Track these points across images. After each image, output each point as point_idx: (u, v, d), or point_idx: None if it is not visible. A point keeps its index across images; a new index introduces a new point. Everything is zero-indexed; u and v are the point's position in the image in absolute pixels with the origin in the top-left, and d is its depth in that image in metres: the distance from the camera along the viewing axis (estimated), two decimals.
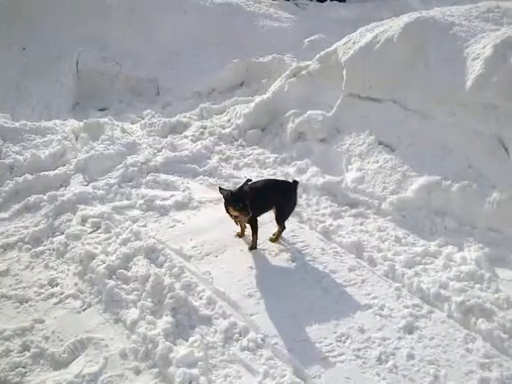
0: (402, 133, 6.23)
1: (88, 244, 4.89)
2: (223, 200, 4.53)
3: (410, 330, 3.85)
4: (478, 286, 4.28)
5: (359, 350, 3.66)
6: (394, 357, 3.59)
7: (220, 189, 4.52)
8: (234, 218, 4.66)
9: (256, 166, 6.63)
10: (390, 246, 4.89)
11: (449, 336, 3.79)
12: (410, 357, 3.60)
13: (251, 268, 4.56)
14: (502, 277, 4.44)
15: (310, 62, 7.96)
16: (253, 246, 4.79)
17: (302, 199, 5.77)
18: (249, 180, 4.67)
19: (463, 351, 3.66)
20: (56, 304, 4.19)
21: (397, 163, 5.97)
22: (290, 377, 3.39)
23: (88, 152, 6.68)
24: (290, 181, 5.03)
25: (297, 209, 5.53)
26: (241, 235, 5.00)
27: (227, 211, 4.58)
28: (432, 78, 6.11)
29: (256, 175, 6.34)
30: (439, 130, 5.92)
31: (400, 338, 3.76)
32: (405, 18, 6.73)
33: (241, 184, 4.62)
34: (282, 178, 5.89)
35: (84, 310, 4.15)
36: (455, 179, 5.41)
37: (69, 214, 5.45)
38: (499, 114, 5.46)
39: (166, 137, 7.55)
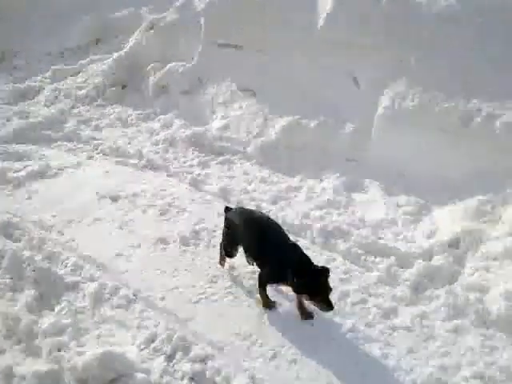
0: (263, 77, 6.32)
1: None
2: None
3: None
4: (336, 211, 4.61)
5: (230, 287, 3.79)
6: None
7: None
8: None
9: (118, 126, 6.37)
10: (256, 186, 5.05)
11: (313, 260, 4.04)
12: None
13: (119, 228, 4.45)
14: (358, 200, 4.81)
15: (166, 14, 7.68)
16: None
17: (168, 153, 5.70)
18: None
19: None
20: None
21: (259, 108, 6.10)
22: (164, 321, 3.42)
23: None
24: None
25: (165, 163, 5.49)
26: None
27: None
28: (287, 19, 6.22)
29: (119, 134, 6.11)
30: (296, 71, 6.09)
31: None
32: None
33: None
34: None
35: None
36: (312, 117, 5.67)
37: None
38: (349, 49, 5.73)
39: (16, 104, 6.93)
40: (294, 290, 3.34)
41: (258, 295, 3.58)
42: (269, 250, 3.47)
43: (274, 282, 3.56)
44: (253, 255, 3.66)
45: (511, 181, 4.37)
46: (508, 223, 4.07)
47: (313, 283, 3.21)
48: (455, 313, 3.45)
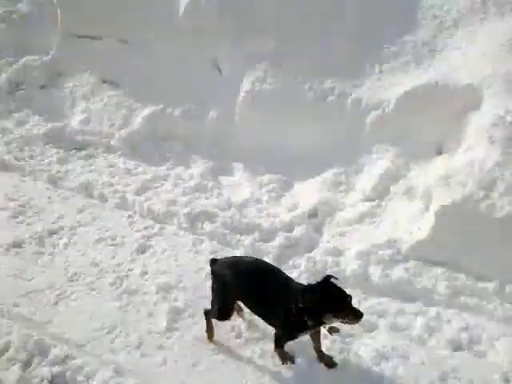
0: (125, 68, 6.12)
1: None
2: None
3: (142, 250, 3.98)
4: (203, 195, 4.63)
5: (93, 282, 3.63)
6: (127, 278, 3.66)
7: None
8: None
9: None
10: (121, 179, 4.88)
11: (179, 245, 4.04)
12: (143, 273, 3.73)
13: None
14: (225, 183, 4.86)
15: (20, 5, 7.15)
16: None
17: (24, 152, 5.29)
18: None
19: (192, 254, 3.96)
20: None
21: (122, 99, 5.90)
22: (17, 331, 3.16)
23: None
24: None
25: (19, 163, 5.11)
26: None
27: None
28: (147, 8, 6.04)
29: None
30: (159, 60, 5.97)
31: (133, 260, 3.86)
32: None
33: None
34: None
35: None
36: (177, 105, 5.60)
37: None
38: (209, 36, 5.72)
39: None
40: (316, 321, 2.80)
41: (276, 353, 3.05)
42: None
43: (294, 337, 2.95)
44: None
45: (362, 152, 4.70)
46: (360, 190, 4.38)
47: (330, 297, 2.74)
48: (315, 278, 3.62)
